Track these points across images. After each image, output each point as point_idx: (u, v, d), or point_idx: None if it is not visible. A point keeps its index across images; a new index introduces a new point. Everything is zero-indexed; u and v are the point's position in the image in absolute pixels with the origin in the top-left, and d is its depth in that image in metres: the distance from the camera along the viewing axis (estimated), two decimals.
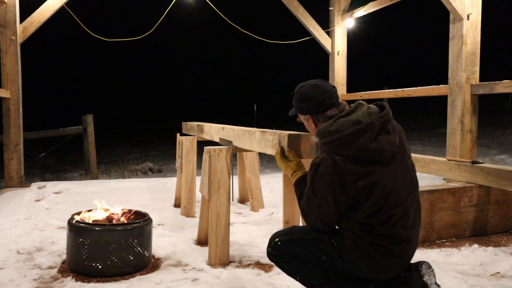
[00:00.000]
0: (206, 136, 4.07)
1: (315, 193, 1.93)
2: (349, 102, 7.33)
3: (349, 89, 7.37)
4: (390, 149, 1.90)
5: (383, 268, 1.95)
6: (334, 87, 2.11)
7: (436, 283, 1.97)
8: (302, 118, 2.17)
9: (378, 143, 1.88)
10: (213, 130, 3.80)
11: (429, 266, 1.98)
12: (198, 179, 4.78)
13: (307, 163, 3.29)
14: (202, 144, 3.92)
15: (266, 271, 2.89)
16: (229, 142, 3.26)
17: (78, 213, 3.05)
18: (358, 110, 1.98)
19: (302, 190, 2.10)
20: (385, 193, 1.88)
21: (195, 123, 4.55)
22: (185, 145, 4.42)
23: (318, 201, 1.92)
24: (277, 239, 2.13)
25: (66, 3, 5.94)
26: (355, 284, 2.07)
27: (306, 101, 2.07)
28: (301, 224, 3.36)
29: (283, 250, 2.10)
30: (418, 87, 5.49)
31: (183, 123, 5.10)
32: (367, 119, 1.91)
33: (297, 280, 2.14)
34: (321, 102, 2.04)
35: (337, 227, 2.06)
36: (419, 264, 1.97)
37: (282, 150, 2.34)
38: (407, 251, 1.96)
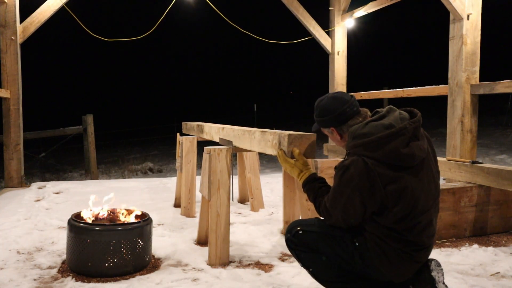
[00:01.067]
0: (206, 136, 4.07)
1: (342, 195, 1.91)
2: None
3: (349, 89, 7.37)
4: (420, 155, 1.90)
5: (402, 272, 1.96)
6: (352, 96, 2.12)
7: (443, 282, 1.98)
8: (326, 131, 2.17)
9: (410, 148, 1.87)
10: (213, 130, 3.80)
11: (438, 264, 2.00)
12: (198, 179, 4.78)
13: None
14: (202, 144, 3.92)
15: (266, 271, 2.89)
16: (229, 142, 3.26)
17: (78, 213, 3.05)
18: (390, 114, 1.99)
19: (316, 191, 2.09)
20: (413, 199, 1.87)
21: (195, 123, 4.55)
22: (185, 145, 4.42)
23: (344, 202, 1.91)
24: (298, 228, 2.12)
25: (66, 3, 5.94)
26: (370, 285, 2.07)
27: (327, 114, 2.09)
28: None
29: (303, 240, 2.09)
30: (418, 87, 5.49)
31: (183, 123, 5.10)
32: (399, 124, 1.91)
33: (309, 271, 2.14)
34: (343, 113, 2.05)
35: (359, 228, 2.04)
36: (429, 260, 1.99)
37: (284, 152, 2.33)
38: (425, 257, 1.98)
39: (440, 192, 2.06)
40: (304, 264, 2.14)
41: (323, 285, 2.15)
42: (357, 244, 2.00)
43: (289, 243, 2.15)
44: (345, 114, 2.05)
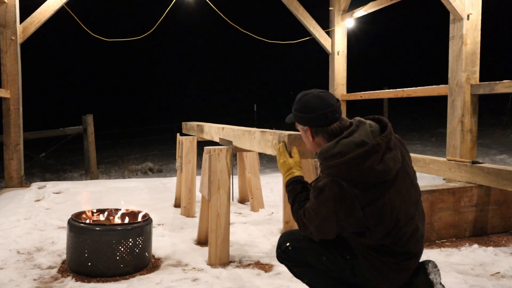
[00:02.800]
0: (206, 136, 4.07)
1: (317, 214, 1.86)
2: (349, 102, 7.36)
3: (349, 89, 7.38)
4: (396, 167, 1.84)
5: (395, 282, 1.95)
6: (338, 100, 2.00)
7: (441, 283, 1.98)
8: (299, 127, 2.06)
9: (385, 163, 1.80)
10: (213, 130, 3.80)
11: (435, 266, 1.98)
12: (198, 179, 4.78)
13: (306, 163, 3.29)
14: (202, 144, 3.92)
15: (266, 271, 2.89)
16: (229, 142, 3.26)
17: (78, 213, 3.06)
18: (359, 129, 1.88)
19: (296, 195, 2.04)
20: (394, 213, 1.83)
21: (195, 123, 4.55)
22: (185, 145, 4.42)
23: (320, 222, 1.87)
24: (288, 244, 2.09)
25: (66, 3, 5.94)
26: None
27: (307, 112, 1.95)
28: None
29: (293, 256, 2.08)
30: (418, 87, 5.49)
31: (183, 123, 5.10)
32: (371, 139, 1.83)
33: (304, 282, 2.13)
34: (322, 116, 1.92)
35: (348, 243, 2.02)
36: (425, 262, 1.97)
37: (285, 144, 2.30)
38: (416, 263, 1.97)
39: (420, 193, 2.03)
40: (299, 277, 2.14)
41: None
42: (348, 257, 1.96)
43: (279, 258, 2.14)
44: (325, 118, 1.92)
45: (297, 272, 2.12)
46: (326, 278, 2.08)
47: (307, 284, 2.13)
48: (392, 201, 1.82)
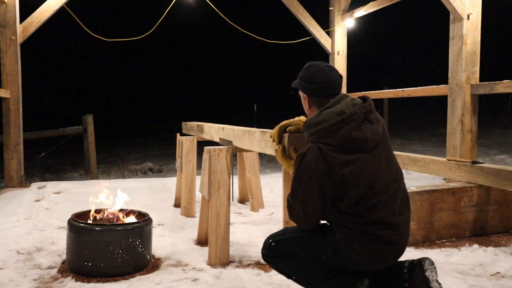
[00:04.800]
0: (206, 136, 4.07)
1: (300, 182, 1.95)
2: None
3: (349, 89, 7.37)
4: (374, 138, 1.96)
5: (376, 257, 1.98)
6: (341, 77, 2.13)
7: (437, 281, 1.99)
8: (301, 93, 2.20)
9: (362, 132, 1.93)
10: (213, 130, 3.81)
11: (432, 263, 2.00)
12: (198, 179, 4.78)
13: None
14: (202, 144, 3.92)
15: (266, 271, 2.89)
16: (229, 142, 3.26)
17: (78, 213, 3.06)
18: (342, 101, 2.03)
19: None
20: (370, 180, 1.92)
21: (195, 123, 4.55)
22: (185, 145, 4.42)
23: (303, 190, 1.94)
24: (270, 240, 2.17)
25: (66, 3, 5.94)
26: (352, 278, 2.09)
27: (308, 82, 2.11)
28: None
29: (277, 250, 2.14)
30: (418, 87, 5.49)
31: (183, 123, 5.10)
32: (350, 110, 1.96)
33: (292, 279, 2.17)
34: (321, 89, 2.07)
35: (327, 224, 2.09)
36: (422, 259, 1.99)
37: (283, 149, 2.35)
38: (397, 237, 1.99)
39: (402, 175, 2.10)
40: (286, 274, 2.17)
41: None
42: (327, 239, 2.04)
43: (265, 257, 2.19)
44: (323, 91, 2.07)
45: (283, 268, 2.16)
46: (313, 269, 2.11)
47: (296, 281, 2.16)
48: (369, 166, 1.92)
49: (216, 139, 3.67)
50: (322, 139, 1.93)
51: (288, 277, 2.17)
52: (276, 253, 2.14)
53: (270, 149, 2.55)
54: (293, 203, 2.01)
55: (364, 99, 2.07)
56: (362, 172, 1.90)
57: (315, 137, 1.96)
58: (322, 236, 2.06)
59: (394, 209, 1.98)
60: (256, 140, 2.78)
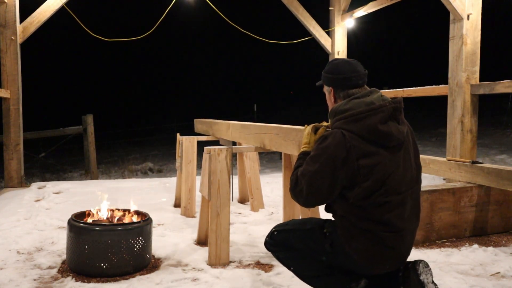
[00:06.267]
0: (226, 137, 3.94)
1: (314, 161, 1.94)
2: None
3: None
4: (398, 137, 1.93)
5: (374, 259, 1.95)
6: (365, 70, 2.13)
7: (433, 282, 1.98)
8: (325, 89, 2.18)
9: (388, 127, 1.91)
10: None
11: (426, 265, 1.99)
12: (198, 179, 4.78)
13: None
14: (202, 144, 3.92)
15: (266, 271, 2.89)
16: (229, 142, 3.27)
17: (78, 213, 3.05)
18: (372, 94, 2.02)
19: (303, 161, 2.10)
20: (385, 177, 1.89)
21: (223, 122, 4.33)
22: (185, 145, 4.42)
23: (316, 169, 1.92)
24: (274, 230, 2.22)
25: (66, 3, 5.94)
26: (348, 278, 2.09)
27: (333, 73, 2.10)
28: None
29: (279, 240, 2.17)
30: (418, 87, 5.49)
31: (195, 120, 5.13)
32: (380, 102, 1.96)
33: (290, 270, 2.21)
34: (347, 79, 2.06)
35: (330, 219, 2.08)
36: (416, 263, 1.97)
37: (315, 127, 2.28)
38: (400, 244, 1.96)
39: (420, 186, 2.07)
40: (284, 264, 2.21)
41: (306, 282, 2.18)
42: (327, 233, 2.03)
43: (267, 245, 2.24)
44: (349, 81, 2.06)
45: (283, 258, 2.21)
46: (310, 263, 2.13)
47: (294, 272, 2.20)
48: (386, 164, 1.90)
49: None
50: (346, 125, 1.92)
51: (287, 267, 2.21)
52: (277, 243, 2.18)
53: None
54: (300, 179, 1.98)
55: (394, 98, 2.07)
56: (378, 167, 1.88)
57: (340, 123, 1.95)
58: (322, 230, 2.05)
59: (403, 214, 1.95)
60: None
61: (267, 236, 2.23)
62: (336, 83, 2.10)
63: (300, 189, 1.98)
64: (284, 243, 2.17)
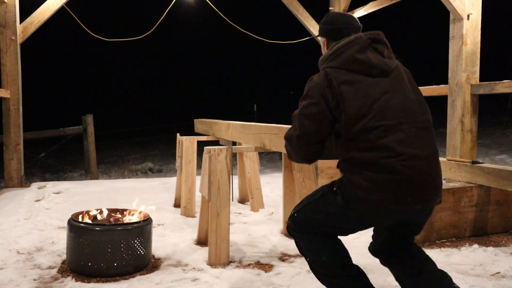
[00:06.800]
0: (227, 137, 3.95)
1: (305, 99, 2.00)
2: None
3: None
4: (379, 65, 1.96)
5: (386, 190, 1.83)
6: (360, 26, 2.15)
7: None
8: (320, 40, 2.23)
9: (366, 55, 1.97)
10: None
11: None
12: (198, 179, 4.78)
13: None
14: (202, 144, 3.92)
15: (266, 271, 2.89)
16: (229, 142, 3.27)
17: (78, 213, 3.05)
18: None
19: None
20: (370, 102, 1.89)
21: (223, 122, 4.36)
22: (185, 145, 4.42)
23: (306, 105, 1.98)
24: (293, 212, 2.16)
25: (66, 3, 5.94)
26: (356, 284, 2.07)
27: (327, 23, 2.16)
28: None
29: (298, 221, 2.11)
30: (418, 87, 5.48)
31: (196, 120, 5.13)
32: (356, 36, 2.03)
33: (307, 261, 2.14)
34: (339, 30, 2.10)
35: (338, 180, 2.05)
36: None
37: None
38: (409, 170, 1.82)
39: (429, 118, 1.99)
40: (302, 252, 2.16)
41: (318, 277, 2.14)
42: (335, 189, 2.00)
43: (289, 229, 2.17)
44: (341, 32, 2.09)
45: (302, 247, 2.13)
46: (327, 262, 2.06)
47: (309, 263, 2.14)
48: (369, 91, 1.91)
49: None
50: (328, 64, 2.02)
51: (304, 256, 2.16)
52: (297, 224, 2.11)
53: None
54: (294, 117, 2.03)
55: (373, 31, 2.11)
56: (360, 93, 1.90)
57: (324, 65, 2.05)
58: (331, 189, 2.03)
59: (403, 139, 1.85)
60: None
61: (289, 219, 2.17)
62: (329, 34, 2.14)
63: (294, 127, 2.01)
64: (303, 223, 2.08)
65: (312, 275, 2.79)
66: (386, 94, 1.91)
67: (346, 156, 1.94)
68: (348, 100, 1.89)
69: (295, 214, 2.14)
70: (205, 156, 3.11)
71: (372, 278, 2.48)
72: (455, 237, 3.58)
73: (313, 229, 2.07)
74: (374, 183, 1.83)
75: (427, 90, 5.29)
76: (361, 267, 2.17)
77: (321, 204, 2.04)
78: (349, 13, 2.25)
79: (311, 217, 2.07)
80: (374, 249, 2.22)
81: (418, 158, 1.85)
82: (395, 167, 1.82)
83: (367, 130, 1.86)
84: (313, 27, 7.04)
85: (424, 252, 2.20)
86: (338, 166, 2.06)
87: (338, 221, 2.01)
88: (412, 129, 1.89)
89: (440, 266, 2.93)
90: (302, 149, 2.02)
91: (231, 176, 3.10)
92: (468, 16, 4.51)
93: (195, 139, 4.48)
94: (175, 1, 6.21)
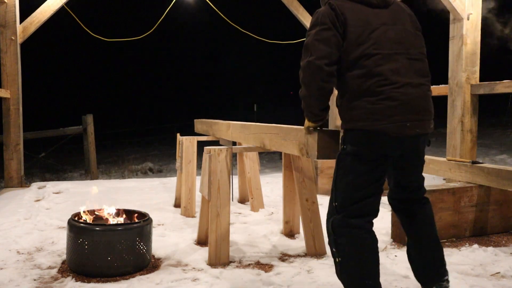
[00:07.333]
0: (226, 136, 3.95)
1: (314, 26, 2.15)
2: None
3: None
4: None
5: (385, 118, 2.01)
6: None
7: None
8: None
9: None
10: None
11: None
12: (198, 179, 4.78)
13: (306, 163, 3.28)
14: (202, 144, 3.92)
15: (266, 271, 2.89)
16: (229, 142, 3.27)
17: (78, 213, 3.06)
18: None
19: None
20: (370, 30, 2.06)
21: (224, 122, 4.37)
22: (185, 145, 4.42)
23: (318, 29, 2.10)
24: (333, 203, 2.17)
25: (66, 3, 5.94)
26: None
27: None
28: (301, 224, 3.37)
29: (339, 204, 2.13)
30: None
31: (196, 120, 5.13)
32: None
33: (336, 262, 2.13)
34: None
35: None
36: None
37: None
38: (402, 96, 2.02)
39: (421, 51, 2.18)
40: (339, 251, 2.12)
41: (344, 281, 2.13)
42: (343, 146, 2.14)
43: (334, 226, 2.14)
44: None
45: (340, 243, 2.11)
46: (357, 265, 2.07)
47: (340, 264, 2.12)
48: (370, 18, 2.09)
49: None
50: None
51: (337, 257, 2.13)
52: (341, 208, 2.12)
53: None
54: (305, 50, 2.14)
55: None
56: (360, 21, 2.07)
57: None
58: (343, 148, 2.14)
59: (397, 69, 2.04)
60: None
61: (331, 216, 2.16)
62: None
63: (309, 55, 2.10)
64: (344, 200, 2.13)
65: (312, 275, 2.80)
66: (384, 26, 2.09)
67: (344, 90, 2.11)
68: (350, 27, 2.06)
69: (335, 203, 2.15)
70: (205, 156, 3.11)
71: None
72: (455, 237, 3.58)
73: (354, 205, 2.10)
74: (372, 113, 2.02)
75: None
76: None
77: (341, 170, 2.13)
78: None
79: (346, 190, 2.12)
80: (389, 195, 2.40)
81: (411, 86, 2.06)
82: (389, 94, 2.02)
83: (365, 56, 2.04)
84: None
85: (433, 223, 2.37)
86: (337, 105, 2.20)
87: (357, 177, 2.10)
88: (405, 60, 2.08)
89: None
90: (319, 73, 2.08)
91: (231, 176, 3.10)
92: (468, 16, 4.51)
93: (195, 139, 4.48)
94: (175, 1, 6.21)
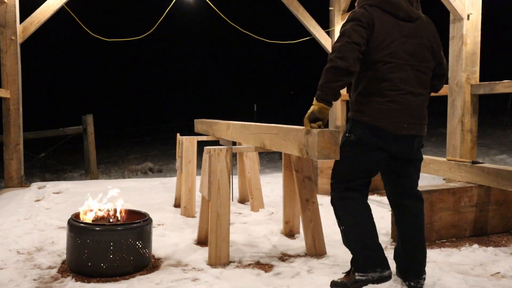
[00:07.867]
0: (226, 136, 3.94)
1: (352, 19, 2.35)
2: (348, 101, 7.35)
3: (349, 89, 7.35)
4: (407, 11, 2.40)
5: (387, 118, 2.36)
6: None
7: None
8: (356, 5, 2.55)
9: (398, 0, 2.39)
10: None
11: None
12: (198, 179, 4.78)
13: (307, 162, 3.28)
14: (202, 144, 3.92)
15: (266, 271, 2.89)
16: (229, 142, 3.27)
17: (78, 213, 3.05)
18: None
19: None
20: (390, 40, 2.34)
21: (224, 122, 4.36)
22: (185, 145, 4.42)
23: (355, 23, 2.32)
24: (331, 181, 2.60)
25: (66, 3, 5.94)
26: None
27: None
28: (301, 224, 3.37)
29: (335, 180, 2.56)
30: None
31: (196, 120, 5.12)
32: None
33: (341, 230, 2.54)
34: None
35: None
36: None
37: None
38: (406, 103, 2.37)
39: (430, 66, 2.48)
40: (340, 221, 2.53)
41: (351, 247, 2.52)
42: (347, 134, 2.47)
43: (332, 200, 2.59)
44: None
45: (341, 215, 2.53)
46: (360, 232, 2.49)
47: (344, 232, 2.53)
48: (392, 28, 2.36)
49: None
50: (366, 1, 2.42)
51: (341, 226, 2.53)
52: (336, 184, 2.55)
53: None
54: (343, 34, 2.32)
55: None
56: (385, 29, 2.34)
57: (362, 3, 2.43)
58: (346, 136, 2.48)
59: (406, 79, 2.37)
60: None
61: (331, 192, 2.58)
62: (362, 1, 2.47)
63: (347, 37, 2.29)
64: (340, 178, 2.53)
65: (312, 275, 2.80)
66: (404, 38, 2.37)
67: (358, 85, 2.42)
68: (375, 32, 2.33)
69: (332, 181, 2.57)
70: (205, 156, 3.11)
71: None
72: (455, 237, 3.58)
73: (347, 183, 2.51)
74: (377, 112, 2.36)
75: None
76: None
77: (343, 154, 2.37)
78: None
79: (342, 169, 2.50)
80: (388, 193, 2.68)
81: (412, 94, 2.41)
82: (394, 98, 2.37)
83: (382, 62, 2.35)
84: (313, 27, 7.04)
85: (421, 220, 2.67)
86: (349, 97, 2.54)
87: (359, 163, 2.47)
88: (413, 71, 2.40)
89: (440, 266, 2.95)
90: (355, 51, 2.28)
91: (231, 176, 3.10)
92: (468, 16, 4.51)
93: (195, 139, 4.48)
94: (175, 1, 6.22)
